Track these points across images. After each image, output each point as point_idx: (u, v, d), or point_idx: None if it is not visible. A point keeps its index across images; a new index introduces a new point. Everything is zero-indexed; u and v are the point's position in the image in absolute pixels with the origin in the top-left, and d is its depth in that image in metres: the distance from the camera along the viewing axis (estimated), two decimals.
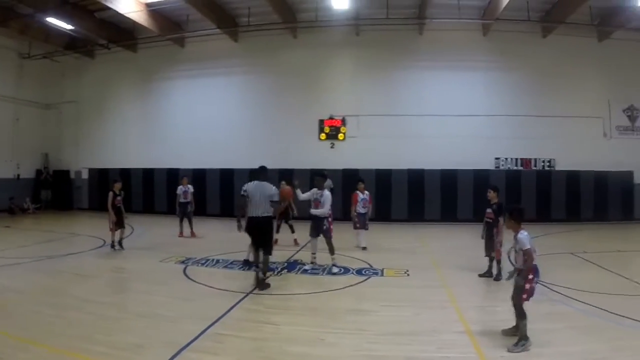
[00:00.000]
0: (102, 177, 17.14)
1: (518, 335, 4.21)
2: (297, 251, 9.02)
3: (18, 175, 17.37)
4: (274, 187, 6.46)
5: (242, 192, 6.38)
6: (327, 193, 7.40)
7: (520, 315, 4.21)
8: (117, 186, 9.24)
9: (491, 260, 6.97)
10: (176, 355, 3.97)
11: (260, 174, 6.51)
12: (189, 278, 6.96)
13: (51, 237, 10.94)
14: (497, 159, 15.06)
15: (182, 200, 11.00)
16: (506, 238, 5.24)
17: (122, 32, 16.45)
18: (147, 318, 5.03)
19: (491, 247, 6.90)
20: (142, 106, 17.42)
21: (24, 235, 11.30)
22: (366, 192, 9.78)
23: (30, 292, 6.10)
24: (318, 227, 7.41)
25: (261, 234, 6.36)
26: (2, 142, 16.67)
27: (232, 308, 5.39)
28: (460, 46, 15.12)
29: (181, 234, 11.03)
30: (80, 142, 18.19)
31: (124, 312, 5.27)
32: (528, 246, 4.17)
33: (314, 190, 7.43)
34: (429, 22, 14.59)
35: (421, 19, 14.55)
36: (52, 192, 18.31)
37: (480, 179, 14.11)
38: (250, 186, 6.35)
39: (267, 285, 6.27)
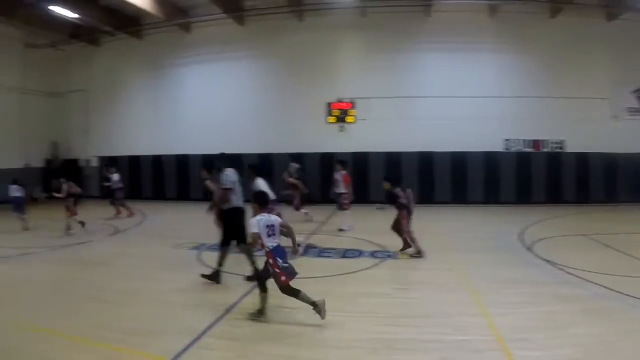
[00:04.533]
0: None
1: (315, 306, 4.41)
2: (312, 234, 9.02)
3: (27, 164, 17.37)
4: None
5: (229, 186, 5.82)
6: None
7: (285, 291, 4.40)
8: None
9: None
10: (196, 341, 4.02)
11: (226, 161, 6.03)
12: (203, 264, 6.97)
13: (61, 226, 10.80)
14: (506, 140, 14.95)
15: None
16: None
17: (126, 19, 16.35)
18: (162, 304, 5.09)
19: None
20: (150, 93, 17.41)
21: (36, 224, 11.33)
22: (341, 172, 9.46)
23: (44, 282, 6.17)
24: None
25: (243, 223, 5.89)
26: (10, 132, 16.65)
27: (247, 293, 5.42)
28: (468, 28, 14.92)
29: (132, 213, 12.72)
30: (90, 131, 18.24)
31: (138, 299, 5.30)
32: (255, 230, 4.30)
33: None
34: (436, 3, 14.42)
35: (428, 0, 14.37)
36: None
37: (491, 160, 14.04)
38: (232, 177, 5.90)
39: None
